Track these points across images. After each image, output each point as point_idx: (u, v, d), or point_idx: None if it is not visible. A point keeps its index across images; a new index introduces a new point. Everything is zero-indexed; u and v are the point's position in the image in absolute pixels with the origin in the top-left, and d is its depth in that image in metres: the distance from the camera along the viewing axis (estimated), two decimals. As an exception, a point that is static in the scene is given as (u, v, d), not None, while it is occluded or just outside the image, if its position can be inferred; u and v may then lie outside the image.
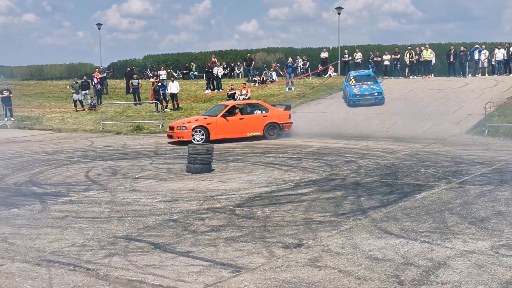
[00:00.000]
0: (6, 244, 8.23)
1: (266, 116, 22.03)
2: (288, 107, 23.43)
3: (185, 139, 20.37)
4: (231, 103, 23.91)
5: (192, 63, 47.52)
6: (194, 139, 20.35)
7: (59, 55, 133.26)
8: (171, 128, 21.42)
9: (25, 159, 17.08)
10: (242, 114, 21.93)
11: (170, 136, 21.44)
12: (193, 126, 20.83)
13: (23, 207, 10.68)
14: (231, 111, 21.78)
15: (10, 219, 9.74)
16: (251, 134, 21.56)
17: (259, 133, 21.72)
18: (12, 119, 29.98)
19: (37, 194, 11.95)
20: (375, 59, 36.53)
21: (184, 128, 20.82)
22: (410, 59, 34.48)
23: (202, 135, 20.74)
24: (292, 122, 22.62)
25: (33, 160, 16.83)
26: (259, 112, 22.28)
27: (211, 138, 20.71)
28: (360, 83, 29.04)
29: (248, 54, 42.73)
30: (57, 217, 9.84)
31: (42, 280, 6.70)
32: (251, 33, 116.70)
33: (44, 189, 12.52)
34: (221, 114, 21.36)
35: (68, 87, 35.38)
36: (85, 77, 35.30)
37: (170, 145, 20.65)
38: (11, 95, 30.93)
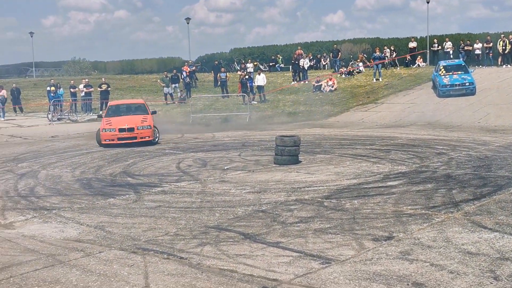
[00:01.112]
0: (104, 232, 8.60)
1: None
2: (153, 112, 21.05)
3: (150, 139, 19.22)
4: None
5: (278, 55, 47.67)
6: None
7: (149, 50, 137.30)
8: (108, 130, 19.02)
9: (119, 151, 17.71)
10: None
11: (109, 140, 18.94)
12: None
13: (119, 197, 11.11)
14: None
15: (107, 208, 10.16)
16: None
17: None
18: (107, 112, 31.17)
19: (131, 184, 12.40)
20: (465, 48, 35.39)
21: (148, 127, 19.33)
22: (503, 48, 33.16)
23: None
24: (151, 129, 19.44)
25: (127, 152, 17.43)
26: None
27: None
28: (451, 73, 28.27)
29: (335, 45, 42.43)
30: (151, 207, 10.18)
31: (138, 267, 6.95)
32: (337, 24, 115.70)
33: (137, 179, 12.96)
34: None
35: (158, 80, 36.37)
36: (174, 71, 36.12)
37: (258, 137, 20.83)
38: (109, 88, 32.25)
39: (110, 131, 18.80)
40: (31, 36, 62.95)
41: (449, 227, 8.22)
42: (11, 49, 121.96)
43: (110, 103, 23.10)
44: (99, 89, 31.89)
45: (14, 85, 33.41)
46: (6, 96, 31.52)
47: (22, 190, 12.10)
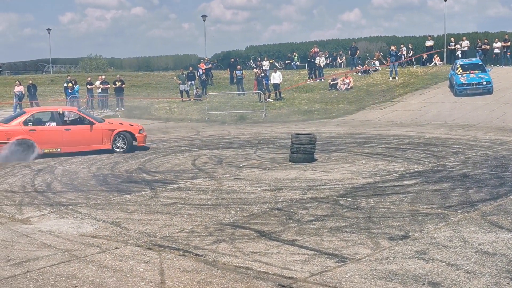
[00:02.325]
0: (120, 228, 8.65)
1: None
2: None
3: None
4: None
5: (294, 53, 47.62)
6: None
7: (165, 47, 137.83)
8: None
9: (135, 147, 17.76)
10: None
11: None
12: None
13: (135, 193, 11.16)
14: None
15: (123, 205, 10.21)
16: None
17: None
18: (123, 108, 31.28)
19: (147, 181, 12.45)
20: (483, 47, 35.11)
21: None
22: (522, 47, 32.86)
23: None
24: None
25: (142, 147, 17.46)
26: None
27: None
28: (468, 72, 28.11)
29: (354, 43, 42.27)
30: (166, 203, 10.21)
31: (153, 263, 6.98)
32: (354, 22, 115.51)
33: (153, 176, 13.01)
34: None
35: (175, 77, 36.45)
36: (191, 68, 36.19)
37: (273, 134, 20.83)
38: (123, 85, 32.37)
39: None
40: (49, 33, 63.49)
41: (466, 226, 8.17)
42: (28, 45, 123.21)
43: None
44: (113, 86, 32.03)
45: (30, 81, 33.65)
46: (24, 92, 31.76)
47: (39, 186, 12.20)
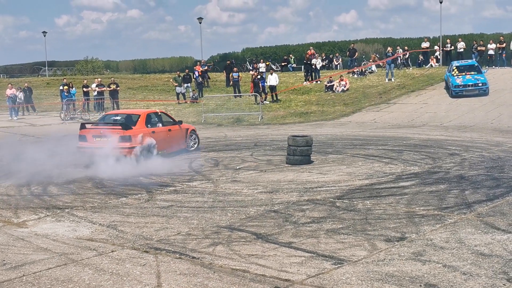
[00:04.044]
0: (116, 231, 8.63)
1: None
2: None
3: None
4: None
5: (290, 55, 47.63)
6: None
7: (162, 49, 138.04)
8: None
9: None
10: None
11: None
12: None
13: (131, 196, 11.15)
14: None
15: (119, 208, 10.20)
16: None
17: None
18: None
19: (143, 183, 12.43)
20: (478, 48, 35.21)
21: None
22: (517, 48, 32.96)
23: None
24: None
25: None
26: None
27: None
28: (463, 74, 28.17)
29: (352, 45, 42.27)
30: (163, 206, 10.20)
31: (150, 266, 6.97)
32: (350, 24, 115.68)
33: (149, 179, 12.99)
34: None
35: (171, 80, 36.43)
36: (187, 70, 36.17)
37: (270, 136, 20.83)
38: (118, 88, 32.33)
39: None
40: (44, 36, 63.20)
41: (462, 228, 8.18)
42: (24, 48, 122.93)
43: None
44: (108, 88, 31.96)
45: (26, 84, 33.56)
46: (17, 95, 31.41)
47: (35, 189, 12.17)
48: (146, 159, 14.64)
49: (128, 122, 15.50)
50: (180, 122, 17.38)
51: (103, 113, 30.94)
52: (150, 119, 16.00)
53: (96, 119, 28.88)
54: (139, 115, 15.76)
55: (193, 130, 18.05)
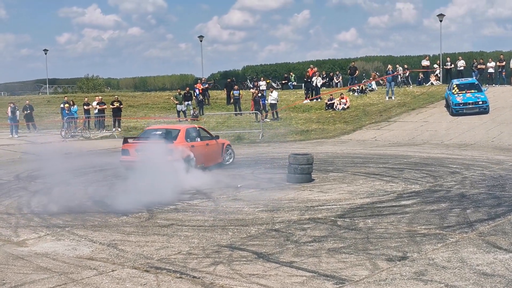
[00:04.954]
0: (117, 250, 8.59)
1: None
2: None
3: None
4: None
5: (291, 73, 47.79)
6: None
7: (162, 67, 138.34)
8: None
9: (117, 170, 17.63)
10: None
11: None
12: None
13: (131, 214, 11.10)
14: None
15: (120, 226, 10.16)
16: None
17: None
18: (120, 129, 31.26)
19: (144, 202, 12.35)
20: (478, 66, 35.33)
21: None
22: (516, 66, 33.07)
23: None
24: None
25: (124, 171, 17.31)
26: None
27: None
28: (464, 92, 28.25)
29: (353, 63, 42.40)
30: (163, 225, 10.16)
31: (150, 286, 6.92)
32: (350, 42, 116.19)
33: (150, 197, 12.91)
34: None
35: (172, 98, 36.52)
36: (187, 88, 36.29)
37: (270, 155, 20.83)
38: (121, 106, 32.40)
39: None
40: (45, 53, 63.52)
41: (464, 247, 8.14)
42: (25, 66, 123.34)
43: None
44: (111, 106, 32.01)
45: (27, 101, 33.60)
46: (13, 111, 31.01)
47: (35, 207, 12.13)
48: (185, 172, 14.80)
49: (169, 137, 16.04)
50: (217, 137, 17.91)
51: (104, 131, 31.04)
52: (189, 134, 16.46)
53: (97, 137, 28.95)
54: (179, 130, 16.36)
55: (229, 145, 18.53)
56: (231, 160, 18.16)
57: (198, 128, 17.41)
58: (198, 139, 16.73)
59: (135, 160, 14.91)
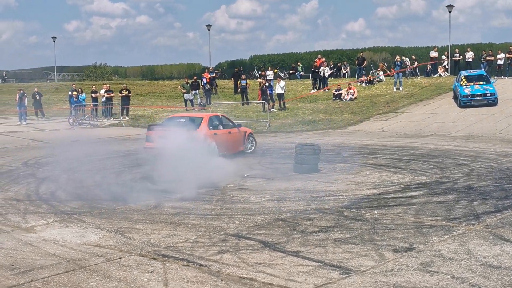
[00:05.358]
0: (124, 238, 8.64)
1: None
2: None
3: None
4: None
5: (298, 63, 47.67)
6: None
7: (170, 56, 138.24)
8: None
9: (139, 156, 17.74)
10: None
11: None
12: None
13: (139, 202, 11.14)
14: None
15: (127, 214, 10.21)
16: None
17: None
18: (127, 117, 31.30)
19: (151, 190, 12.40)
20: (487, 58, 35.15)
21: None
22: (526, 58, 32.88)
23: None
24: None
25: (146, 158, 17.41)
26: None
27: None
28: (472, 83, 28.11)
29: (361, 53, 42.24)
30: (170, 213, 10.21)
31: (157, 274, 6.97)
32: (358, 32, 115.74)
33: (157, 185, 12.97)
34: None
35: (179, 87, 36.51)
36: (195, 77, 36.24)
37: (277, 145, 20.82)
38: (130, 94, 32.41)
39: None
40: (54, 41, 63.60)
41: (470, 239, 8.14)
42: (33, 53, 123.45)
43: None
44: (120, 94, 32.06)
45: (36, 89, 33.68)
46: (21, 97, 31.18)
47: (43, 194, 12.21)
48: (208, 160, 14.78)
49: (192, 124, 16.19)
50: (239, 125, 18.12)
51: (112, 119, 31.09)
52: (212, 122, 16.70)
53: (104, 125, 29.03)
54: (202, 118, 16.66)
55: (251, 133, 18.72)
56: (253, 148, 18.30)
57: (221, 116, 17.61)
58: (221, 127, 16.93)
59: (159, 147, 14.96)
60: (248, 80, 35.92)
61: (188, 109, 32.94)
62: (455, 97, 28.94)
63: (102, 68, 72.02)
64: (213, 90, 37.74)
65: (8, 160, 17.55)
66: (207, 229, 9.00)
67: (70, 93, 32.18)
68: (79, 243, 8.41)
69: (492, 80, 29.34)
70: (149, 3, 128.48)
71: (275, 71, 41.67)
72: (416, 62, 38.83)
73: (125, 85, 34.39)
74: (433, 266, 7.02)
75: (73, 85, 34.64)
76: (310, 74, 39.85)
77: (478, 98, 27.26)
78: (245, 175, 14.04)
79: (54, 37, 63.42)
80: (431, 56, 39.05)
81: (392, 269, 6.94)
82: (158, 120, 30.37)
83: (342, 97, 32.58)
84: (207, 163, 14.22)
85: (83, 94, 32.42)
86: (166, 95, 40.66)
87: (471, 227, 8.82)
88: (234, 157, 16.59)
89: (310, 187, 12.44)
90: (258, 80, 37.20)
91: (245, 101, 33.08)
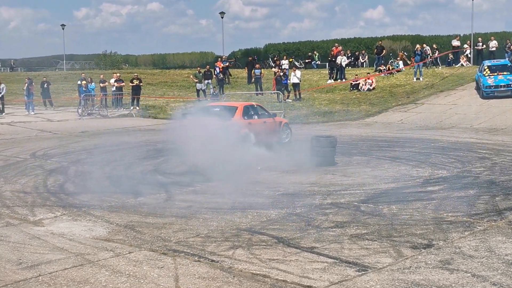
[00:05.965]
0: (134, 232, 8.47)
1: None
2: None
3: None
4: None
5: (314, 52, 47.27)
6: None
7: (182, 44, 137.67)
8: None
9: (150, 148, 17.64)
10: None
11: None
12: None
13: (149, 195, 10.95)
14: None
15: (137, 207, 10.02)
16: None
17: None
18: (138, 107, 30.94)
19: (162, 183, 12.23)
20: (511, 47, 34.54)
21: None
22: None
23: None
24: None
25: (158, 149, 17.33)
26: None
27: None
28: (495, 74, 27.66)
29: (380, 42, 41.77)
30: (182, 206, 10.01)
31: (168, 269, 6.80)
32: (377, 20, 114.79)
33: (168, 178, 12.82)
34: None
35: (191, 76, 36.23)
36: (208, 66, 35.86)
37: (293, 136, 20.53)
38: (140, 84, 32.00)
39: None
40: (63, 29, 63.63)
41: (492, 236, 7.89)
42: (42, 41, 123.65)
43: None
44: (130, 84, 31.42)
45: (44, 78, 33.54)
46: (26, 88, 31.15)
47: (52, 187, 12.06)
48: (243, 150, 14.78)
49: (227, 113, 16.01)
50: (275, 115, 18.10)
51: (122, 109, 30.77)
52: (247, 111, 16.72)
53: (114, 115, 28.82)
54: (237, 107, 16.64)
55: (286, 123, 18.71)
56: (288, 139, 18.20)
57: (256, 106, 17.62)
58: (256, 117, 16.92)
59: (192, 136, 14.89)
60: (262, 70, 35.53)
61: (200, 99, 32.68)
62: (478, 88, 28.48)
63: (112, 57, 71.88)
64: (226, 79, 37.43)
65: (16, 151, 17.42)
66: (219, 224, 8.80)
67: (79, 82, 31.64)
68: (88, 237, 8.24)
69: (516, 70, 28.82)
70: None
71: (291, 60, 41.30)
72: (437, 51, 38.25)
73: (136, 74, 33.80)
74: (453, 263, 6.79)
75: (82, 74, 34.22)
76: (327, 64, 39.42)
77: (502, 89, 26.79)
78: (258, 168, 13.80)
79: (63, 25, 63.55)
80: (453, 45, 38.40)
81: (410, 266, 6.72)
82: (169, 111, 30.21)
83: (360, 87, 32.21)
84: (241, 152, 14.16)
85: (93, 83, 31.93)
86: (178, 85, 40.43)
87: (493, 223, 8.55)
88: (267, 147, 16.29)
89: (325, 180, 12.20)
90: (273, 69, 36.88)
91: (259, 91, 32.80)
